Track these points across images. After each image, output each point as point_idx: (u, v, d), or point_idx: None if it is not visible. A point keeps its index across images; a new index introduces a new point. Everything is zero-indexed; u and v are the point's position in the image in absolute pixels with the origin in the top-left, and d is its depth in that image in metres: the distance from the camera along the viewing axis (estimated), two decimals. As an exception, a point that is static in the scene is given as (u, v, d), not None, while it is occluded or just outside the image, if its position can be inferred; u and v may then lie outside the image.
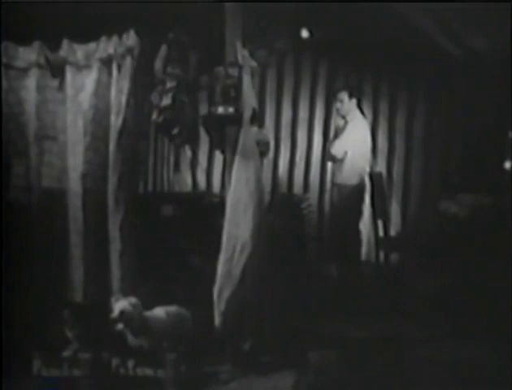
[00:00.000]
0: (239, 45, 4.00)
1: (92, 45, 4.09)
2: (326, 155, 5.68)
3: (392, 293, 4.87)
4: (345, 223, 5.36)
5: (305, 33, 5.67)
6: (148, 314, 3.56)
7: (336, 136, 5.48)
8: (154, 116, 4.20)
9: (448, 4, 4.44)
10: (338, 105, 5.42)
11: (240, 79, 4.00)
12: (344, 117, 5.43)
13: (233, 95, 4.03)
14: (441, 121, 5.98)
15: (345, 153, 5.28)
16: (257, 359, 3.80)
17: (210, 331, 3.82)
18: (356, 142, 5.32)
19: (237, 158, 3.92)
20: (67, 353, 3.58)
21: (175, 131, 4.24)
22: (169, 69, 4.17)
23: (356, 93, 5.46)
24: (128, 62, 4.00)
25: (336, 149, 5.34)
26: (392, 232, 5.74)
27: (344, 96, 5.37)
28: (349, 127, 5.36)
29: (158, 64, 4.17)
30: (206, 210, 4.51)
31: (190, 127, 4.30)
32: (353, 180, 5.30)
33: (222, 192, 4.81)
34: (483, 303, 4.38)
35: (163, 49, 4.16)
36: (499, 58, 4.99)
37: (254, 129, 4.24)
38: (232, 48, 4.01)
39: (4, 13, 3.93)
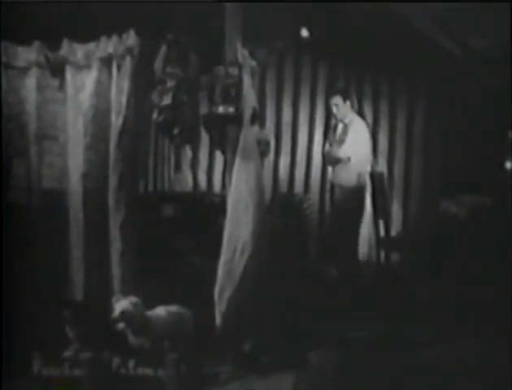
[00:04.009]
0: (239, 44, 4.00)
1: (92, 45, 4.08)
2: (329, 159, 5.61)
3: (392, 293, 4.87)
4: (346, 223, 5.35)
5: (305, 33, 5.68)
6: (149, 313, 3.55)
7: (339, 139, 5.43)
8: (155, 116, 4.20)
9: (448, 4, 4.44)
10: (334, 109, 5.39)
11: (240, 78, 4.01)
12: (342, 120, 5.40)
13: (233, 95, 4.04)
14: (441, 121, 5.98)
15: (349, 156, 5.29)
16: (257, 359, 3.80)
17: (210, 331, 3.82)
18: (358, 145, 5.32)
19: (238, 158, 3.92)
20: (67, 353, 3.58)
21: (176, 130, 4.24)
22: (169, 69, 4.17)
23: (349, 96, 5.45)
24: (128, 61, 3.99)
25: (344, 153, 5.31)
26: (393, 232, 5.75)
27: (338, 100, 5.35)
28: (351, 130, 5.34)
29: (157, 64, 4.16)
30: (207, 210, 4.51)
31: (191, 127, 4.30)
32: (354, 181, 5.29)
33: (222, 192, 4.82)
34: (483, 303, 4.38)
35: (163, 48, 4.16)
36: (499, 58, 4.99)
37: (255, 129, 4.23)
38: (231, 48, 4.01)
39: (4, 13, 3.93)
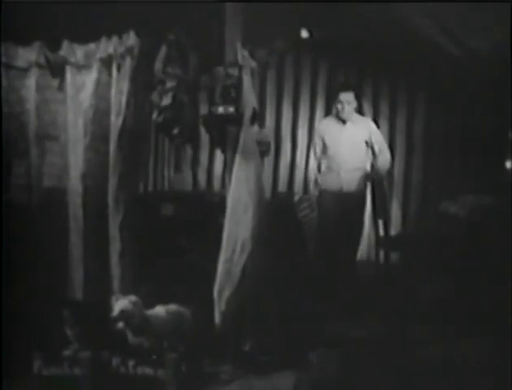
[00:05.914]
0: (239, 45, 4.01)
1: (92, 46, 4.11)
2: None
3: (392, 293, 4.87)
4: (346, 223, 5.34)
5: (304, 33, 5.66)
6: (148, 313, 3.56)
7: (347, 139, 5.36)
8: (155, 116, 4.20)
9: (448, 4, 4.44)
10: (345, 106, 5.16)
11: (240, 79, 4.02)
12: (346, 120, 5.31)
13: (233, 95, 4.05)
14: (441, 121, 5.98)
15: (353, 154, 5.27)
16: (257, 359, 3.80)
17: (210, 331, 3.83)
18: (361, 144, 5.30)
19: (238, 158, 3.93)
20: (67, 353, 3.58)
21: (176, 130, 4.24)
22: (169, 69, 4.17)
23: (358, 94, 5.39)
24: (128, 62, 4.01)
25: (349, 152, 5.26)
26: (393, 232, 5.73)
27: (350, 97, 5.16)
28: (356, 129, 5.30)
29: (157, 64, 4.17)
30: (207, 210, 4.53)
31: (190, 127, 4.31)
32: (354, 181, 5.28)
33: (222, 191, 4.81)
34: (483, 303, 4.37)
35: (163, 49, 4.17)
36: (499, 58, 4.98)
37: (255, 129, 4.23)
38: (231, 48, 4.03)
39: (4, 13, 3.94)
